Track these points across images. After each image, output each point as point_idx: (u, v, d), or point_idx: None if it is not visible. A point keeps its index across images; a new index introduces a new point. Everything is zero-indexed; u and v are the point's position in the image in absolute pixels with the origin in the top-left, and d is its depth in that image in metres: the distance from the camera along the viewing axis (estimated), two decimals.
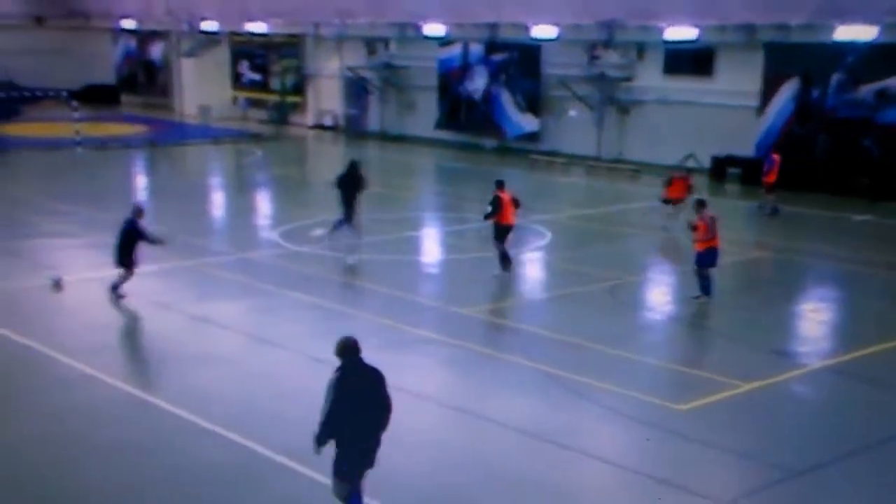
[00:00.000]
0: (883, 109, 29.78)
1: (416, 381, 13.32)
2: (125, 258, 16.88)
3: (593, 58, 36.74)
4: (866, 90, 30.08)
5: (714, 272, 17.06)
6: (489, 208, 18.44)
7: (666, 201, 24.07)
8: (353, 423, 8.58)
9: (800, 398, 13.42)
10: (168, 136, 45.05)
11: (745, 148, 32.36)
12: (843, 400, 13.30)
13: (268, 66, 51.47)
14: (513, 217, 18.72)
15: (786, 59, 31.83)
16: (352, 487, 8.88)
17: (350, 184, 21.26)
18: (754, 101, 32.64)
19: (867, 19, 29.51)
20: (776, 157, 27.10)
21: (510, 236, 18.87)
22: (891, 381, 13.65)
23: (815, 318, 17.43)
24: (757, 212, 26.75)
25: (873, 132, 30.04)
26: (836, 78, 30.72)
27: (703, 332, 16.33)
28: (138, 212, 17.35)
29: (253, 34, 50.92)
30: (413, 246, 22.70)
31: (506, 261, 18.67)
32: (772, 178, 26.66)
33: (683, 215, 21.09)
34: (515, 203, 18.68)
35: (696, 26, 33.81)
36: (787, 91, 31.93)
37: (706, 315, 16.63)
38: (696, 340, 16.19)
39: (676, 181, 24.12)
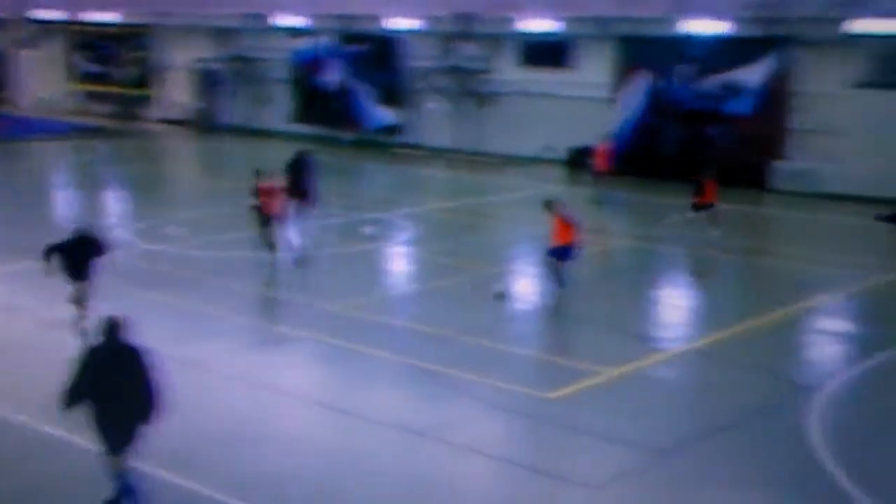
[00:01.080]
0: (728, 100, 31.31)
1: (284, 379, 13.29)
2: None
3: (450, 50, 37.16)
4: (712, 82, 31.56)
5: (570, 264, 17.43)
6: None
7: (698, 207, 23.15)
8: (97, 400, 8.94)
9: (664, 381, 13.97)
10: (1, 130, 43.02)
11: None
12: (706, 381, 13.94)
13: (113, 58, 49.75)
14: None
15: (638, 51, 33.04)
16: (116, 465, 9.16)
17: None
18: (609, 93, 33.73)
19: (714, 14, 30.90)
20: (603, 146, 28.22)
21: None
22: (748, 362, 14.36)
23: (675, 304, 18.22)
24: (602, 200, 27.45)
25: (719, 122, 31.57)
26: (684, 70, 32.10)
27: (570, 321, 16.79)
28: None
29: (94, 24, 49.07)
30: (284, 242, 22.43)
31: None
32: (601, 166, 27.73)
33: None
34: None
35: (553, 19, 34.64)
36: (640, 83, 33.15)
37: (571, 304, 17.08)
38: (562, 329, 16.63)
39: (708, 184, 23.17)
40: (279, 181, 19.77)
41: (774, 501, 10.15)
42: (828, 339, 15.99)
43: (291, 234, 19.94)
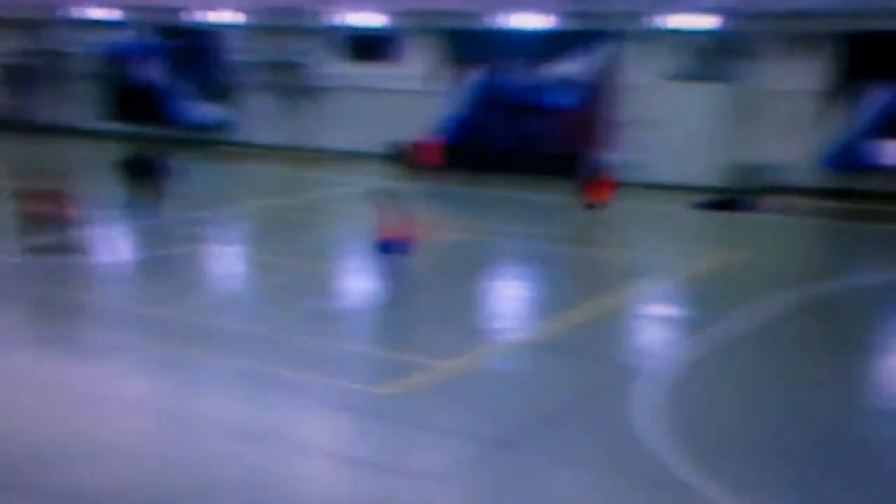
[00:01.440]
0: (553, 93, 32.16)
1: (107, 388, 12.69)
2: None
3: (274, 44, 36.62)
4: (539, 75, 32.35)
5: (402, 257, 17.45)
6: None
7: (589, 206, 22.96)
8: None
9: (500, 372, 14.14)
10: None
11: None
12: (540, 370, 14.16)
13: None
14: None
15: (464, 45, 33.47)
16: None
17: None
18: (438, 87, 33.99)
19: (538, 8, 31.66)
20: (431, 140, 28.57)
21: None
22: (581, 350, 14.72)
23: (507, 295, 18.52)
24: (433, 194, 27.72)
25: (546, 115, 32.40)
26: (510, 64, 32.76)
27: (404, 315, 16.78)
28: None
29: None
30: (90, 246, 21.47)
31: None
32: (431, 160, 28.02)
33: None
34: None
35: (377, 12, 34.63)
36: (468, 76, 33.59)
37: (406, 298, 17.09)
38: (397, 324, 16.61)
39: (596, 182, 23.06)
40: (60, 183, 18.90)
41: (611, 485, 10.41)
42: (655, 323, 16.60)
43: (86, 237, 19.12)
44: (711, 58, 29.51)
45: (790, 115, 28.26)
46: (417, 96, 33.91)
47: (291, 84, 36.92)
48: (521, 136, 32.74)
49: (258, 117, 38.08)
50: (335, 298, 17.47)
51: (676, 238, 22.99)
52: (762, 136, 28.95)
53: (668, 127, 29.61)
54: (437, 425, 11.82)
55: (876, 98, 26.99)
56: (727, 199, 26.48)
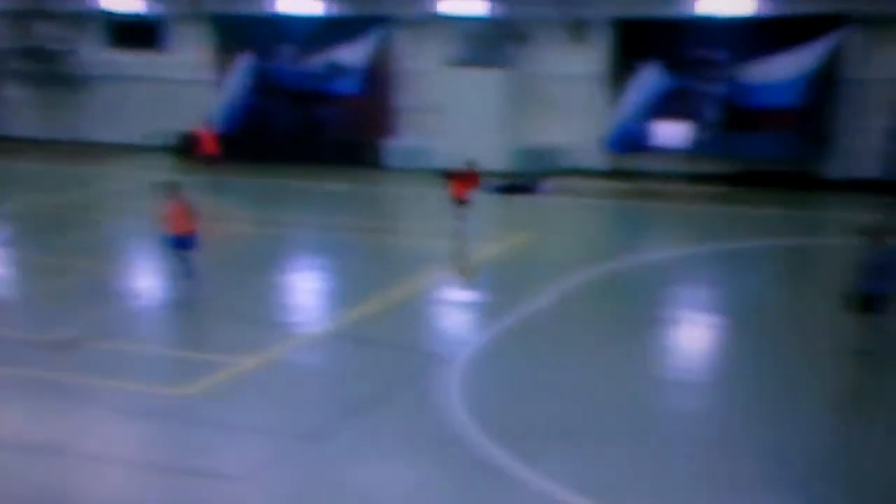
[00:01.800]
0: (334, 80, 31.74)
1: None
2: None
3: (27, 30, 34.19)
4: (316, 61, 31.82)
5: (192, 253, 16.73)
6: None
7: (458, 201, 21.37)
8: None
9: (302, 366, 13.80)
10: None
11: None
12: (344, 362, 13.93)
13: None
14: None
15: (236, 31, 32.45)
16: None
17: None
18: (211, 75, 32.83)
19: None
20: (208, 130, 27.74)
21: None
22: (384, 338, 14.55)
23: (305, 287, 18.14)
24: (217, 186, 26.79)
25: (329, 102, 31.94)
26: (286, 50, 32.04)
27: (198, 313, 16.14)
28: None
29: None
30: None
31: None
32: (209, 151, 27.18)
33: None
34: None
35: None
36: (242, 64, 32.56)
37: (199, 295, 16.43)
38: (191, 322, 15.94)
39: (462, 175, 21.53)
40: None
41: (422, 472, 10.38)
42: (454, 309, 16.66)
43: None
44: (490, 43, 29.99)
45: (572, 99, 29.21)
46: (189, 85, 32.63)
47: (51, 73, 34.57)
48: (305, 124, 32.19)
49: (12, 108, 35.48)
50: (127, 299, 16.40)
51: (473, 223, 23.15)
52: (546, 120, 29.81)
53: (453, 113, 29.90)
54: (239, 423, 11.43)
55: (649, 81, 28.26)
56: (517, 183, 27.00)
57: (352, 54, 31.44)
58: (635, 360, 13.61)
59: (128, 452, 10.74)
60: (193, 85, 32.56)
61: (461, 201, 21.22)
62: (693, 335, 15.39)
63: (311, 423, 11.40)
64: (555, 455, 10.54)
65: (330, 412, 11.74)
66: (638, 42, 28.24)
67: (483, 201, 25.77)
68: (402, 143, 31.30)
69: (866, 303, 12.89)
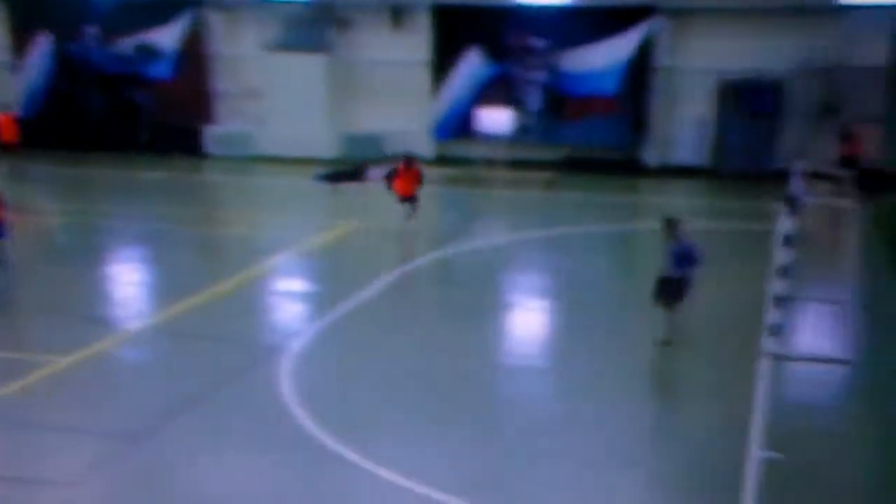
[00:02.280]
0: (147, 63, 30.67)
1: None
2: None
3: None
4: (126, 44, 30.65)
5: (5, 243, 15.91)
6: None
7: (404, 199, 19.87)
8: None
9: (127, 363, 13.36)
10: None
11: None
12: (171, 356, 13.53)
13: None
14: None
15: (33, 10, 30.84)
16: None
17: None
18: (6, 57, 31.15)
19: None
20: (4, 116, 26.55)
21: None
22: (212, 331, 14.23)
23: (127, 280, 17.52)
24: (20, 174, 25.53)
25: (143, 86, 30.85)
26: (91, 31, 30.70)
27: (12, 309, 15.36)
28: None
29: None
30: None
31: None
32: (7, 138, 26.09)
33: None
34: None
35: None
36: (42, 45, 30.99)
37: (11, 290, 15.64)
38: (8, 319, 15.07)
39: (404, 170, 19.93)
40: None
41: (260, 462, 10.21)
42: (287, 299, 16.47)
43: None
44: (311, 28, 29.70)
45: (397, 86, 29.29)
46: None
47: None
48: (116, 110, 30.94)
49: None
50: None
51: (299, 210, 22.96)
52: (372, 106, 29.79)
53: (275, 99, 29.47)
54: (62, 425, 10.94)
55: (472, 68, 28.69)
56: (345, 171, 26.86)
57: (163, 37, 30.48)
58: (466, 346, 13.77)
59: None
60: None
61: (407, 198, 19.91)
62: (522, 321, 15.71)
63: (137, 423, 10.99)
64: (390, 442, 10.58)
65: (157, 410, 11.35)
66: (459, 29, 28.61)
67: (309, 189, 25.62)
68: (224, 129, 30.60)
69: (668, 290, 13.30)
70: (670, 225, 13.24)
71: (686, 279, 13.12)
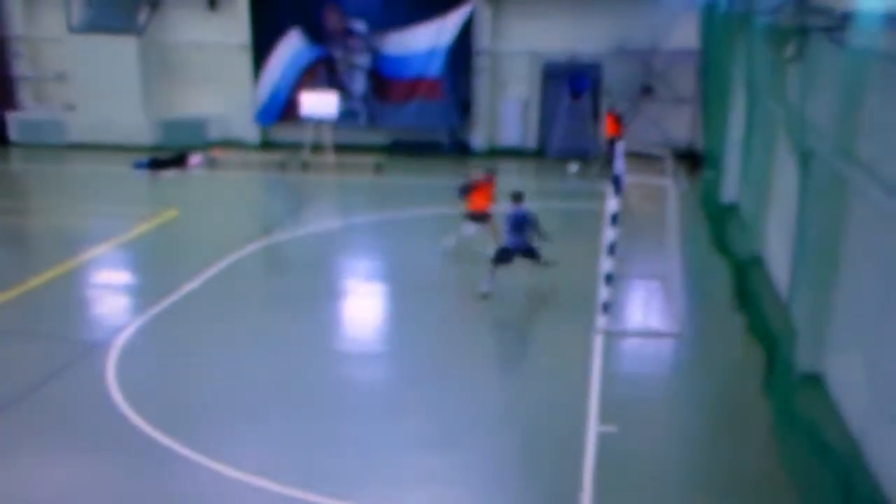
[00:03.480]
0: None
1: None
2: None
3: None
4: None
5: None
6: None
7: (474, 216, 17.39)
8: None
9: None
10: None
11: None
12: None
13: None
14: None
15: None
16: None
17: None
18: None
19: None
20: None
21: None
22: (28, 328, 13.66)
23: None
24: None
25: None
26: None
27: None
28: None
29: None
30: None
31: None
32: None
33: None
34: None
35: None
36: None
37: None
38: None
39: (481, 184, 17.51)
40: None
41: (80, 465, 9.91)
42: (108, 292, 15.85)
43: None
44: (118, 9, 28.57)
45: (216, 69, 28.59)
46: None
47: None
48: None
49: None
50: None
51: (117, 199, 22.10)
52: (191, 90, 29.00)
53: (84, 83, 28.21)
54: None
55: (293, 51, 28.29)
56: (162, 158, 26.01)
57: None
58: (297, 335, 13.69)
59: None
60: None
61: (482, 215, 17.37)
62: (353, 307, 15.67)
63: None
64: (223, 435, 10.44)
65: None
66: (278, 11, 28.16)
67: (128, 178, 24.69)
68: (29, 115, 29.07)
69: (503, 256, 15.15)
70: (517, 197, 15.26)
71: (527, 244, 15.09)
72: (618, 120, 25.17)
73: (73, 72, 28.47)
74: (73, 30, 28.24)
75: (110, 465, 9.85)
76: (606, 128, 25.44)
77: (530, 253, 15.18)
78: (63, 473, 9.72)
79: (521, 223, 14.99)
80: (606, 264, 13.55)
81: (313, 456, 10.10)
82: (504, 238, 15.33)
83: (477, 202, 17.27)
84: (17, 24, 29.08)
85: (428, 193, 23.52)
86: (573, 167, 25.85)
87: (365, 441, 10.37)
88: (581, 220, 20.37)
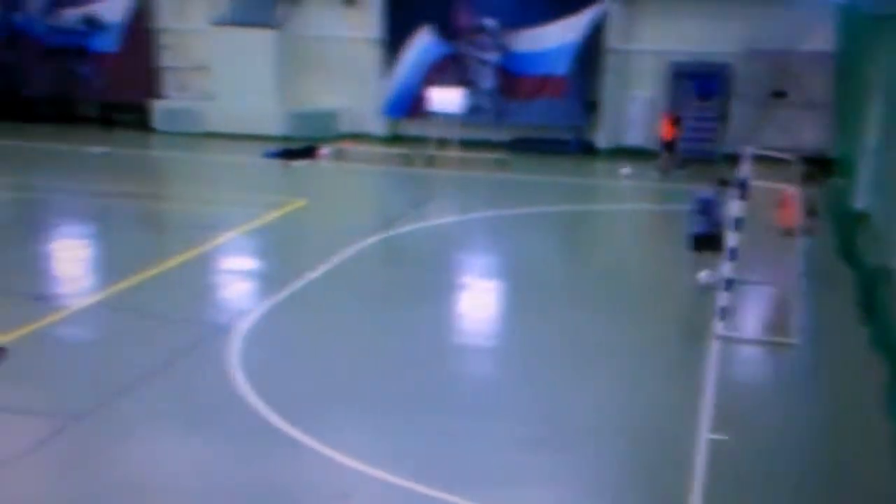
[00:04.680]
0: (91, 36, 30.00)
1: None
2: None
3: None
4: (70, 16, 29.96)
5: None
6: None
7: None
8: None
9: (70, 340, 13.00)
10: None
11: None
12: (117, 334, 13.19)
13: None
14: None
15: None
16: None
17: None
18: None
19: None
20: None
21: None
22: (159, 309, 13.93)
23: (72, 256, 17.12)
24: None
25: (87, 59, 30.18)
26: (36, 3, 29.98)
27: None
28: None
29: None
30: None
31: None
32: None
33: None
34: None
35: None
36: None
37: None
38: None
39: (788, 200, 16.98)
40: None
41: (202, 444, 10.00)
42: (236, 277, 16.19)
43: None
44: (259, 3, 29.23)
45: (348, 63, 29.00)
46: None
47: None
48: (61, 83, 30.18)
49: None
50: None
51: (249, 187, 22.59)
52: (323, 83, 29.47)
53: (223, 74, 29.00)
54: (1, 405, 10.59)
55: (424, 46, 28.45)
56: (293, 148, 26.53)
57: (109, 10, 29.86)
58: (414, 326, 13.67)
59: None
60: None
61: (794, 230, 16.52)
62: (472, 300, 15.60)
63: (81, 401, 10.70)
64: (334, 421, 10.46)
65: (102, 388, 11.08)
66: (411, 7, 28.36)
67: (259, 167, 25.27)
68: (171, 105, 30.06)
69: (700, 242, 14.99)
70: (723, 182, 15.11)
71: (717, 230, 14.64)
72: (674, 123, 24.49)
73: (212, 63, 29.29)
74: (215, 23, 29.04)
75: (226, 448, 9.96)
76: (662, 130, 24.82)
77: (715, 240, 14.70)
78: (178, 455, 9.86)
79: (711, 206, 14.89)
80: (726, 269, 13.14)
81: (426, 449, 10.02)
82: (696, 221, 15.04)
83: (787, 218, 16.74)
84: (166, 17, 30.09)
85: (551, 191, 23.33)
86: (626, 170, 25.31)
87: (476, 436, 10.26)
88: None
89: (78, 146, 26.85)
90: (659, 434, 10.42)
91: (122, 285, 14.81)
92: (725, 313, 13.16)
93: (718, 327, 13.14)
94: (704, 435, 10.23)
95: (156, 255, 16.55)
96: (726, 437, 10.17)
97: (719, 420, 10.60)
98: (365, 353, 12.62)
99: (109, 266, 16.55)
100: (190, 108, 29.64)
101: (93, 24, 29.98)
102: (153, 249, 17.17)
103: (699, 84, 27.13)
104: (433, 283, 15.78)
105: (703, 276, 15.02)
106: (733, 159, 16.78)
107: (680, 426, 10.48)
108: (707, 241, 14.84)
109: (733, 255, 13.00)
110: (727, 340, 13.01)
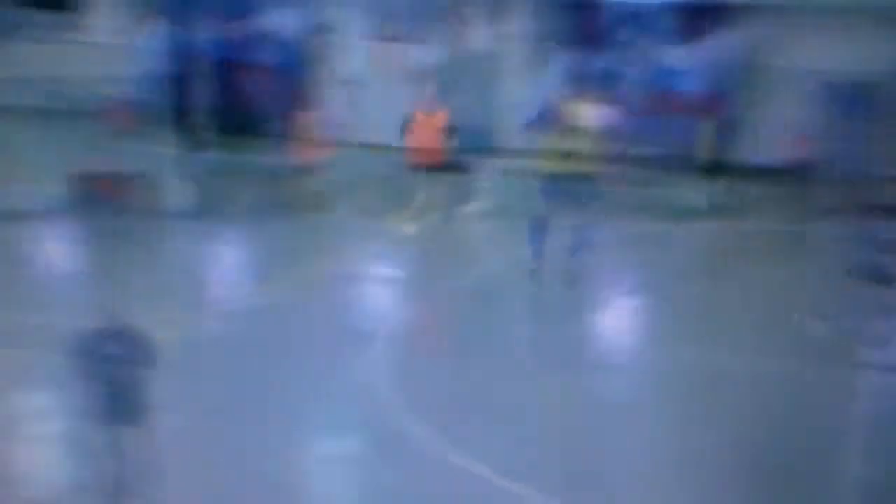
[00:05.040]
0: (262, 51, 30.99)
1: None
2: None
3: None
4: (241, 30, 30.95)
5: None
6: None
7: None
8: None
9: (214, 342, 13.27)
10: None
11: None
12: (268, 338, 13.29)
13: None
14: None
15: None
16: None
17: None
18: (126, 40, 31.82)
19: None
20: (122, 102, 27.11)
21: None
22: (308, 314, 14.35)
23: (225, 262, 17.94)
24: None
25: (259, 74, 31.08)
26: (209, 18, 31.12)
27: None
28: None
29: None
30: None
31: None
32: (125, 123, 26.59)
33: None
34: None
35: None
36: (158, 30, 31.44)
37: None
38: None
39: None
40: None
41: (350, 446, 10.34)
42: (381, 286, 16.58)
43: None
44: (411, 18, 29.78)
45: (495, 77, 29.27)
46: (100, 49, 31.36)
47: None
48: (240, 97, 31.22)
49: None
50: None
51: (395, 199, 23.02)
52: (471, 97, 29.78)
53: (375, 87, 29.61)
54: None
55: (569, 61, 28.51)
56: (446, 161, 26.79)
57: (281, 25, 30.75)
58: (560, 341, 13.70)
59: None
60: (104, 50, 31.43)
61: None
62: (611, 318, 15.70)
63: (229, 401, 11.05)
64: (477, 431, 10.53)
65: (249, 389, 11.40)
66: (559, 22, 28.46)
67: (406, 177, 25.60)
68: (326, 116, 30.74)
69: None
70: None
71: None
72: (812, 143, 23.75)
73: (364, 76, 29.87)
74: (367, 37, 29.73)
75: (370, 451, 10.19)
76: (799, 150, 24.11)
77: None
78: (315, 456, 10.22)
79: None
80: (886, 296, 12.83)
81: (571, 467, 10.01)
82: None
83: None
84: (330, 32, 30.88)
85: (687, 208, 23.05)
86: None
87: (620, 458, 10.29)
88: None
89: (241, 157, 27.53)
90: (807, 469, 10.14)
91: (274, 290, 15.17)
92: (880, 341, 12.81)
93: (871, 354, 12.81)
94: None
95: (306, 262, 17.06)
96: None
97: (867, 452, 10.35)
98: (508, 364, 12.59)
99: (262, 272, 16.77)
100: (340, 120, 30.14)
101: (262, 39, 30.83)
102: (304, 256, 17.64)
103: (847, 104, 26.35)
104: (572, 298, 15.71)
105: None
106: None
107: (827, 459, 10.24)
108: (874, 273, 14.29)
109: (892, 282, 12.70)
110: (880, 369, 12.68)
